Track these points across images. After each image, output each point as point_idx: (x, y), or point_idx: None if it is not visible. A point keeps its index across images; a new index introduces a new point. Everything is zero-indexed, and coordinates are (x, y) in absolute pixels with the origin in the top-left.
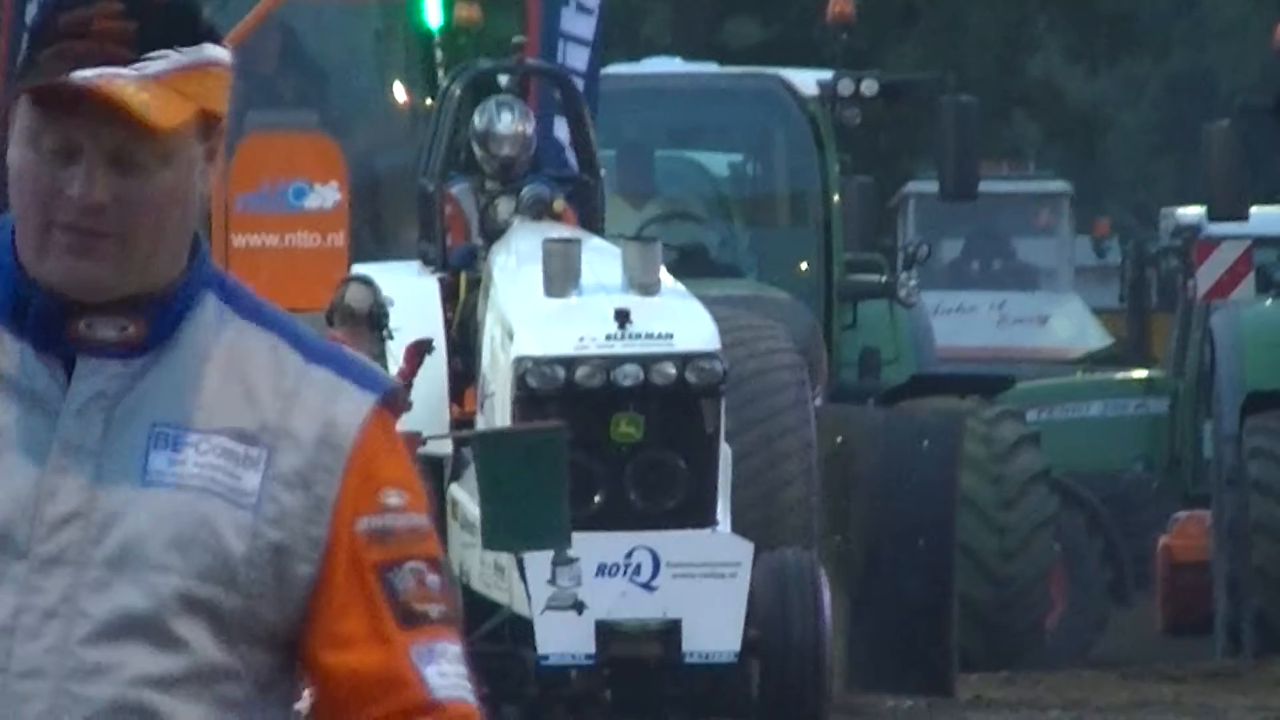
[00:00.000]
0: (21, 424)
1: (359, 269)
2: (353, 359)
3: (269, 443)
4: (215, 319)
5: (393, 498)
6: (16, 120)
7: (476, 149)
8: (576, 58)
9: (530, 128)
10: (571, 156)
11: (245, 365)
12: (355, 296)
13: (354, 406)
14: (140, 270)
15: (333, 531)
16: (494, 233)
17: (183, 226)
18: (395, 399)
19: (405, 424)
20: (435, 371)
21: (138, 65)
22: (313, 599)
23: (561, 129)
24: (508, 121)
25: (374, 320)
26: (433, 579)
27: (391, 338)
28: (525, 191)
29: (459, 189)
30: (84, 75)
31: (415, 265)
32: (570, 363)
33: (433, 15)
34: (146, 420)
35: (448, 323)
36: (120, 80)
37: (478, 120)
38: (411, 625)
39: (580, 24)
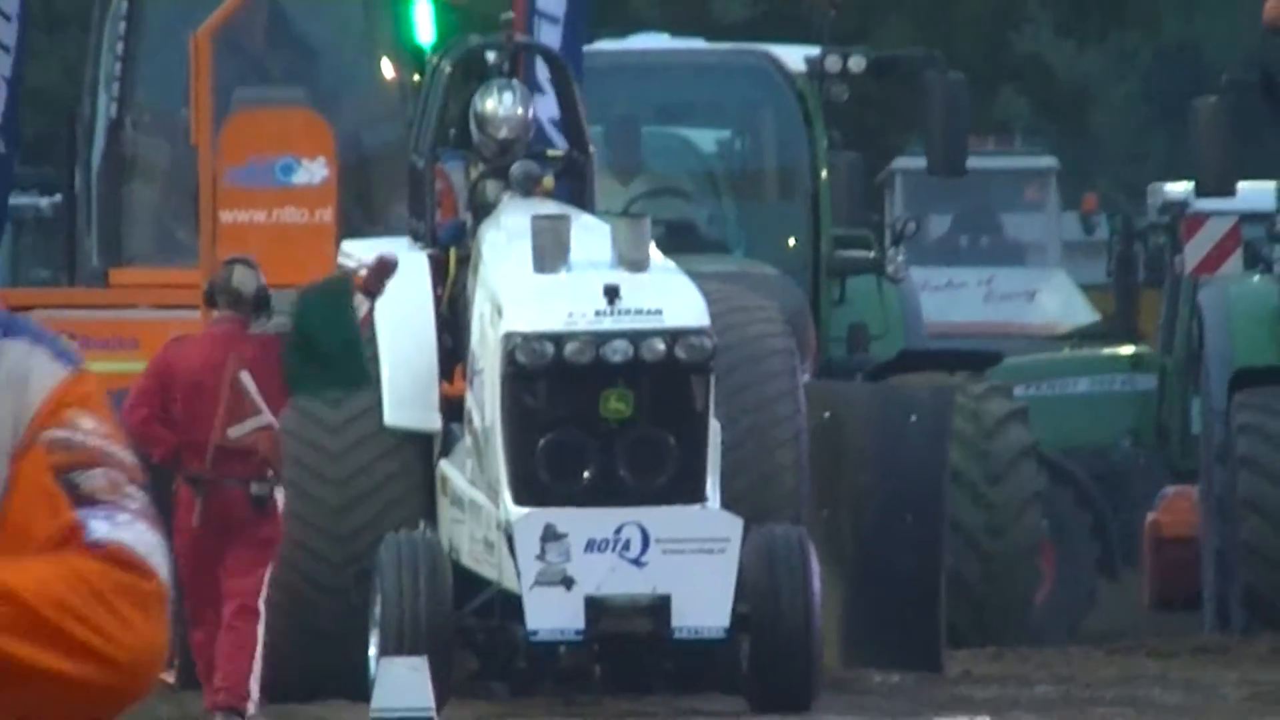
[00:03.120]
0: None
1: (344, 245)
2: (44, 332)
3: None
4: None
5: (85, 420)
6: None
7: (475, 131)
8: (550, 35)
9: (529, 110)
10: (553, 133)
11: None
12: (240, 279)
13: (48, 370)
14: None
15: (14, 463)
16: (483, 209)
17: None
18: (87, 375)
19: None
20: (424, 347)
21: None
22: None
23: (543, 106)
24: (508, 103)
25: (258, 302)
26: (130, 489)
27: (270, 319)
28: (514, 168)
29: (449, 165)
30: None
31: (404, 241)
32: (559, 339)
33: (423, 32)
34: None
35: (437, 299)
36: None
37: (478, 102)
38: (87, 504)
39: (552, 2)
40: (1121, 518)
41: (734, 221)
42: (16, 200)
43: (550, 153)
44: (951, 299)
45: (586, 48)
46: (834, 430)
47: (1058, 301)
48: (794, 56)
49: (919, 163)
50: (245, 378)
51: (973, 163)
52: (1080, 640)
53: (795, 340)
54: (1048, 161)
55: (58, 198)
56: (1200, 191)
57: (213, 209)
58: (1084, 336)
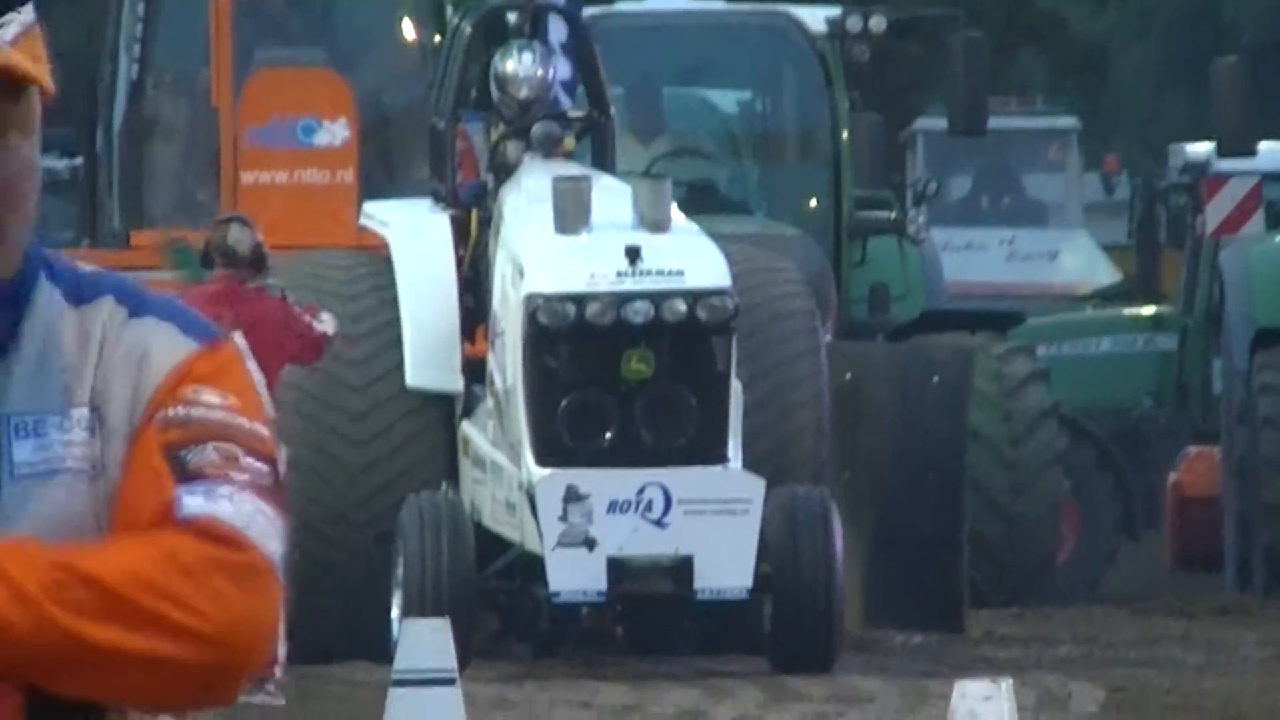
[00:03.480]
0: None
1: (366, 206)
2: (178, 307)
3: (100, 404)
4: (50, 302)
5: (208, 395)
6: None
7: (495, 91)
8: None
9: (549, 70)
10: (561, 93)
11: (83, 336)
12: (236, 237)
13: (170, 348)
14: (9, 262)
15: (130, 444)
16: (504, 170)
17: (35, 207)
18: (222, 348)
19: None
20: (446, 308)
21: None
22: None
23: (560, 67)
24: (528, 63)
25: (255, 260)
26: (247, 461)
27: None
28: (535, 129)
29: (470, 126)
30: None
31: (426, 203)
32: (581, 300)
33: None
34: (6, 415)
35: (459, 260)
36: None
37: (498, 62)
38: (189, 480)
39: None
40: (1143, 478)
41: (755, 182)
42: None
43: (571, 113)
44: (973, 259)
45: (607, 9)
46: (855, 391)
47: (1079, 262)
48: (815, 17)
49: (940, 123)
50: (238, 337)
51: (994, 123)
52: (1102, 600)
53: (816, 301)
54: (1069, 122)
55: (77, 160)
56: (1221, 152)
57: (234, 170)
58: (1105, 297)
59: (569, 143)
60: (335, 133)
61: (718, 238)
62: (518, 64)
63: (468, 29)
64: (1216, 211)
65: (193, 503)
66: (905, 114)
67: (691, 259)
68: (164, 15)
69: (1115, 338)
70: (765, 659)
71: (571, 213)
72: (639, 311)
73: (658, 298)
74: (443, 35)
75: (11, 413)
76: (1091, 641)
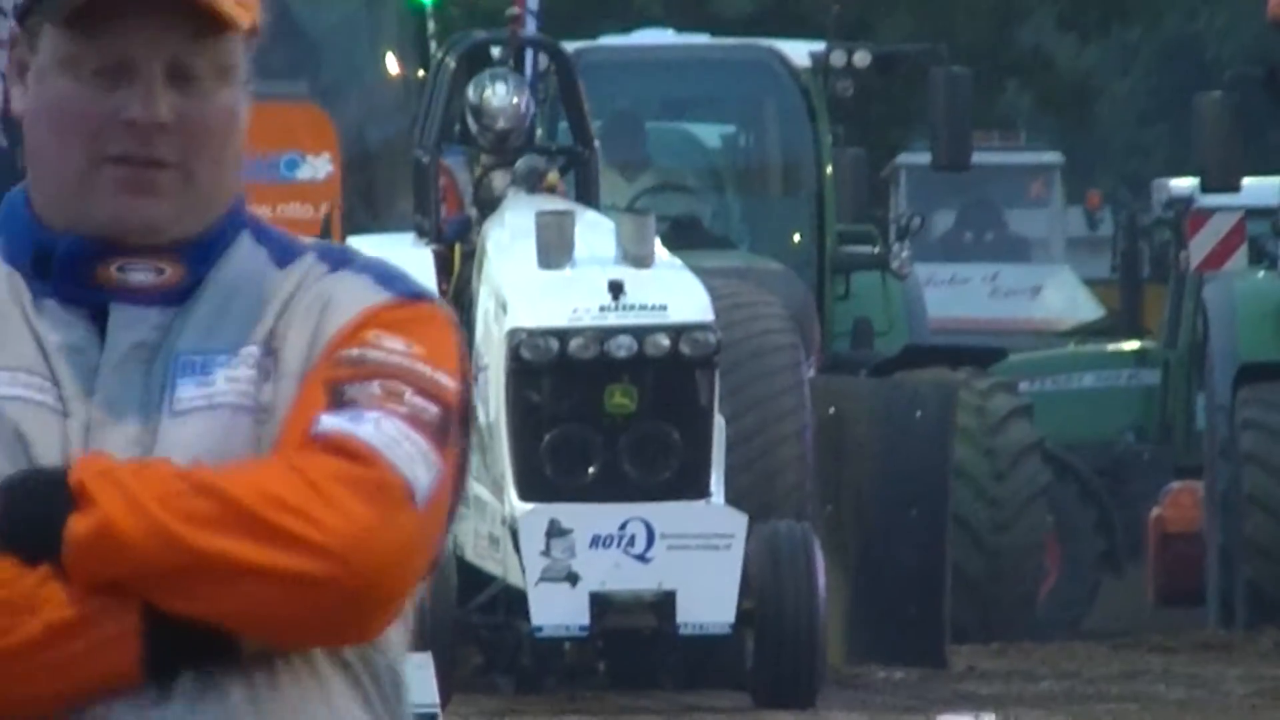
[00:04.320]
0: (61, 380)
1: (349, 241)
2: (379, 263)
3: (278, 347)
4: (252, 261)
5: (391, 341)
6: (40, 54)
7: (471, 122)
8: (532, 29)
9: (525, 100)
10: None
11: (272, 288)
12: None
13: (359, 295)
14: (200, 208)
15: (303, 382)
16: (488, 204)
17: (236, 159)
18: (422, 304)
19: None
20: None
21: None
22: None
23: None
24: (503, 94)
25: None
26: (415, 400)
27: None
28: (519, 164)
29: (453, 161)
30: None
31: (409, 237)
32: (564, 334)
33: None
34: (176, 355)
35: (442, 295)
36: None
37: (472, 93)
38: (338, 408)
39: None
40: (1126, 513)
41: (738, 217)
42: None
43: (553, 148)
44: (956, 294)
45: (591, 43)
46: (838, 426)
47: (1062, 297)
48: (798, 51)
49: (923, 158)
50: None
51: (977, 158)
52: (1084, 636)
53: (800, 336)
54: (1052, 157)
55: None
56: (1204, 187)
57: None
58: (1088, 332)
59: (553, 177)
60: (318, 167)
61: (701, 272)
62: (493, 94)
63: (452, 63)
64: (1200, 246)
65: (330, 421)
66: (889, 149)
67: (675, 294)
68: None
69: (1098, 373)
70: (747, 694)
71: (554, 247)
72: (622, 346)
73: (641, 332)
74: (426, 69)
75: (181, 351)
76: (1073, 677)
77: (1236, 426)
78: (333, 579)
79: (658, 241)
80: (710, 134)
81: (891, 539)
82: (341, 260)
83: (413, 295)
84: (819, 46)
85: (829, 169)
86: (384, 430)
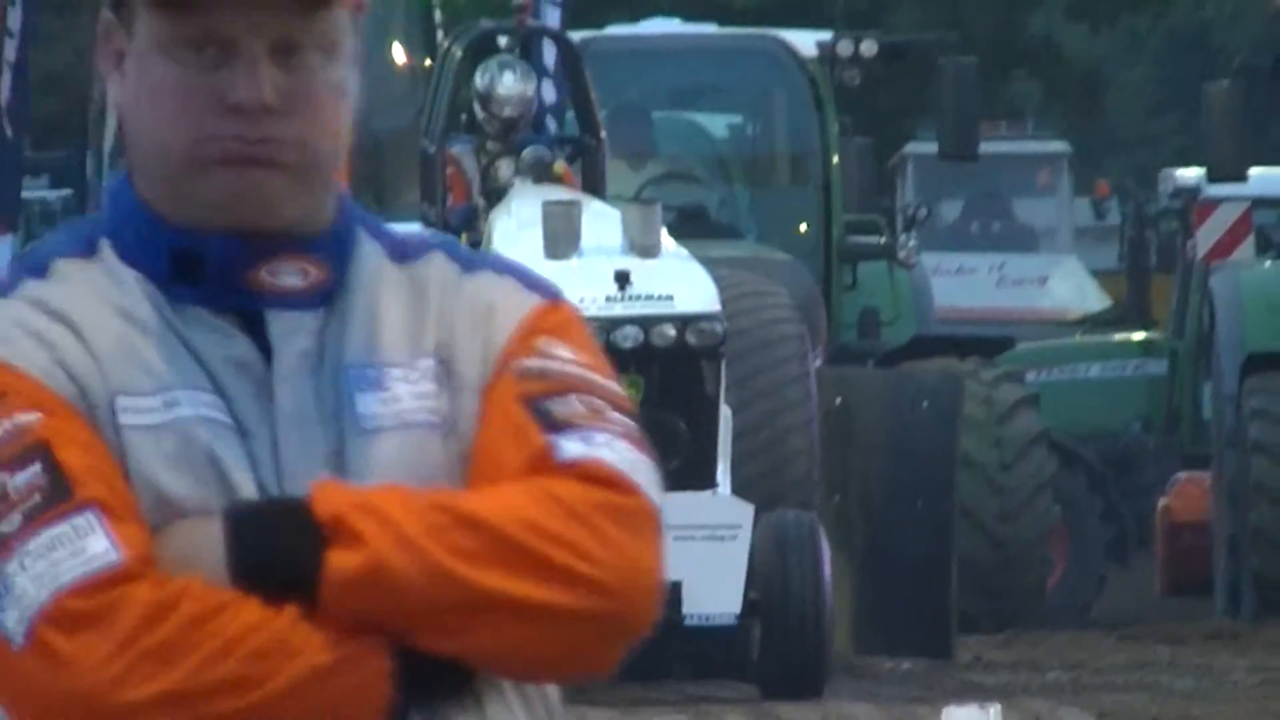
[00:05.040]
0: (232, 396)
1: None
2: (514, 263)
3: (448, 357)
4: (373, 256)
5: (560, 349)
6: (136, 39)
7: (478, 109)
8: (552, 18)
9: (532, 88)
10: (551, 121)
11: (416, 291)
12: None
13: (516, 300)
14: (314, 186)
15: (484, 397)
16: (495, 194)
17: (343, 139)
18: (565, 305)
19: None
20: None
21: None
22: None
23: (546, 91)
24: (510, 82)
25: None
26: (613, 414)
27: None
28: (526, 153)
29: (460, 150)
30: None
31: (415, 226)
32: None
33: None
34: (345, 367)
35: None
36: None
37: (479, 80)
38: (560, 429)
39: None
40: (1133, 503)
41: (745, 207)
42: (31, 194)
43: (560, 137)
44: (963, 284)
45: (598, 33)
46: (845, 416)
47: (1069, 287)
48: (805, 41)
49: (930, 148)
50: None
51: (984, 148)
52: (1091, 626)
53: (806, 326)
54: (1059, 146)
55: (67, 192)
56: (1212, 177)
57: None
58: (1096, 322)
59: (559, 166)
60: None
61: (707, 262)
62: (501, 82)
63: (458, 52)
64: (1207, 236)
65: (571, 447)
66: (896, 139)
67: (681, 284)
68: None
69: (1105, 363)
70: (754, 684)
71: (561, 237)
72: (628, 336)
73: (647, 323)
74: (433, 59)
75: (351, 364)
76: (1080, 667)
77: (1244, 416)
78: (601, 613)
79: (664, 231)
80: (717, 124)
81: (898, 529)
82: (471, 260)
83: (556, 297)
84: (826, 36)
85: (836, 159)
86: (620, 452)
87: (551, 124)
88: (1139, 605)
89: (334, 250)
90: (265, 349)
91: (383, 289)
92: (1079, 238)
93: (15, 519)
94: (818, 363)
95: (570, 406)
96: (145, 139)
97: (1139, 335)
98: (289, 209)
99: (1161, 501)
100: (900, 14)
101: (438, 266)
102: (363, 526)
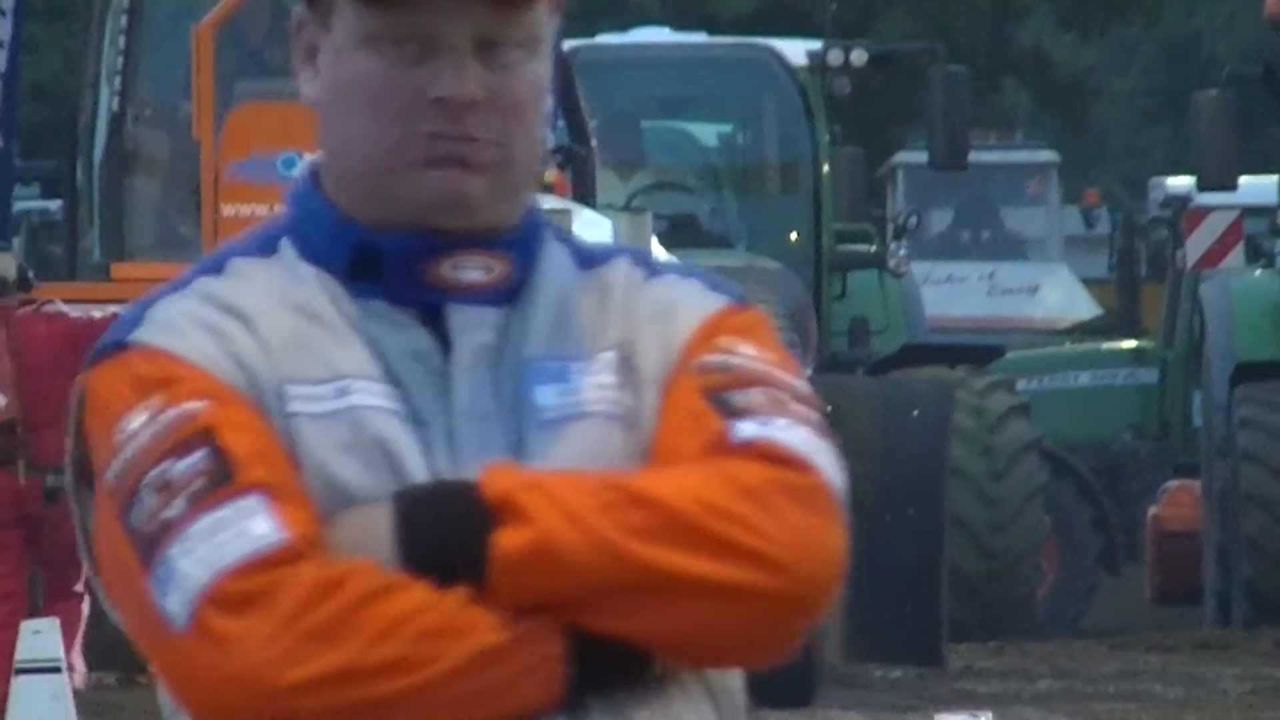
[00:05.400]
0: (409, 387)
1: None
2: (700, 270)
3: (630, 353)
4: (560, 259)
5: (743, 346)
6: (334, 33)
7: None
8: None
9: None
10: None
11: (601, 291)
12: (4, 265)
13: (699, 301)
14: (512, 187)
15: (665, 391)
16: None
17: (542, 138)
18: (752, 309)
19: None
20: None
21: None
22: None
23: None
24: None
25: (21, 283)
26: (797, 406)
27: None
28: None
29: None
30: None
31: None
32: None
33: None
34: (526, 361)
35: None
36: None
37: None
38: (738, 416)
39: None
40: (1123, 512)
41: (735, 216)
42: (29, 204)
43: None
44: (953, 293)
45: (588, 41)
46: (835, 425)
47: (1060, 296)
48: (795, 50)
49: (920, 157)
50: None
51: (974, 157)
52: (1082, 635)
53: (797, 335)
54: (1049, 155)
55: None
56: (1202, 185)
57: (214, 203)
58: (1086, 331)
59: (549, 175)
60: None
61: None
62: None
63: None
64: (1197, 245)
65: (747, 428)
66: (886, 147)
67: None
68: (145, 47)
69: (1096, 371)
70: (744, 692)
71: None
72: None
73: None
74: None
75: (532, 358)
76: (1071, 676)
77: (1234, 425)
78: (779, 592)
79: (655, 240)
80: (707, 133)
81: (889, 538)
82: (656, 265)
83: (742, 300)
84: (816, 45)
85: (826, 168)
86: (800, 436)
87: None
88: (1129, 614)
89: (520, 248)
90: (445, 342)
91: (568, 288)
92: (1069, 246)
93: (179, 504)
94: (808, 371)
95: (751, 398)
96: (341, 135)
97: (1129, 344)
98: (486, 213)
99: (1152, 510)
100: (890, 23)
101: (623, 270)
102: (530, 504)
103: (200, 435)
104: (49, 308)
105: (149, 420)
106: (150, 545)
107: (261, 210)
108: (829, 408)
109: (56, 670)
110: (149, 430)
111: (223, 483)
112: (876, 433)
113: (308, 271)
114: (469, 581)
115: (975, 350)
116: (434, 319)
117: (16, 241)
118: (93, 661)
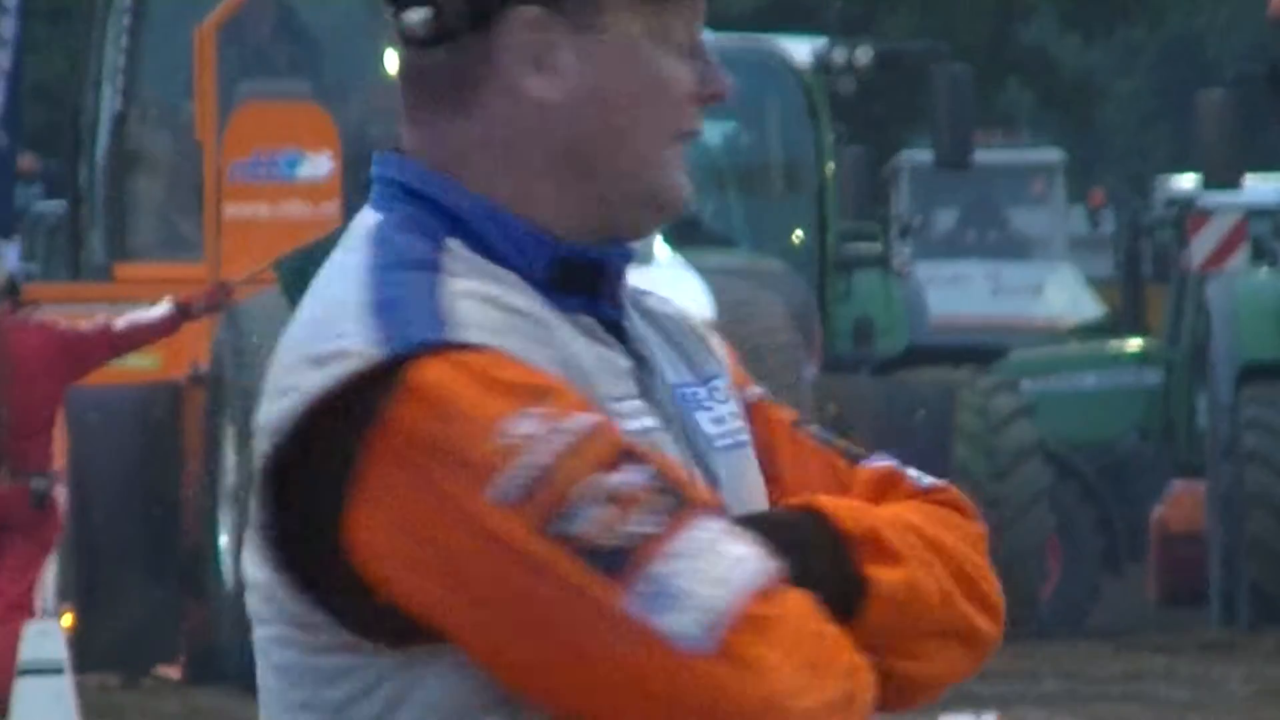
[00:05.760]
0: (655, 415)
1: None
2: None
3: (709, 376)
4: None
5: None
6: (588, 31)
7: None
8: None
9: None
10: None
11: (654, 309)
12: None
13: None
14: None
15: (750, 416)
16: None
17: None
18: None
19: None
20: None
21: None
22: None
23: None
24: None
25: (10, 289)
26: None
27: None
28: None
29: None
30: None
31: None
32: None
33: None
34: (670, 384)
35: None
36: None
37: None
38: (860, 461)
39: None
40: (1128, 513)
41: (739, 216)
42: (42, 206)
43: None
44: (958, 293)
45: None
46: (839, 425)
47: (1064, 296)
48: (800, 49)
49: (925, 156)
50: None
51: (979, 156)
52: (1086, 635)
53: (801, 335)
54: (1054, 155)
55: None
56: (1206, 185)
57: (217, 203)
58: (1090, 331)
59: None
60: (319, 165)
61: (702, 271)
62: None
63: None
64: (1202, 245)
65: (913, 471)
66: (890, 147)
67: (675, 293)
68: (147, 47)
69: (1100, 372)
70: None
71: None
72: None
73: None
74: None
75: (675, 384)
76: (1075, 677)
77: (1239, 426)
78: (996, 640)
79: (658, 240)
80: (711, 132)
81: None
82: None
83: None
84: (820, 44)
85: (830, 167)
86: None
87: None
88: (1134, 615)
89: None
90: (636, 360)
91: (647, 310)
92: (1074, 246)
93: (649, 519)
94: (812, 372)
95: (817, 429)
96: (610, 135)
97: (1134, 344)
98: None
99: (1156, 511)
100: (894, 22)
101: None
102: (898, 542)
103: (622, 451)
104: (34, 315)
105: (548, 428)
106: (619, 558)
107: (263, 210)
108: (832, 409)
109: (59, 672)
110: (559, 439)
111: (683, 502)
112: (880, 433)
113: (511, 277)
114: (835, 613)
115: (979, 351)
116: (619, 336)
117: (21, 241)
118: (93, 663)
